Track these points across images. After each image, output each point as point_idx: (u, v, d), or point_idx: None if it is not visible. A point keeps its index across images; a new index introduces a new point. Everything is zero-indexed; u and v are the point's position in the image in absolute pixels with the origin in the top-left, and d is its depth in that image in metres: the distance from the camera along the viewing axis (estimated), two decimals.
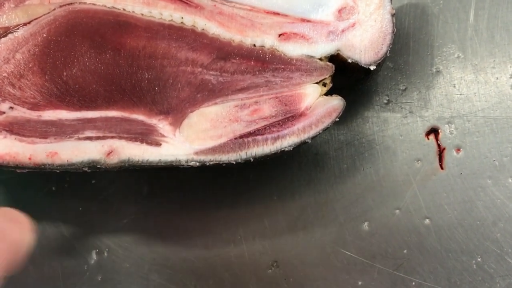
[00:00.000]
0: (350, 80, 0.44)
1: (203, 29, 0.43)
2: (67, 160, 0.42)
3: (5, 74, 0.43)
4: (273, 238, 0.47)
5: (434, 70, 0.46)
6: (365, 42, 0.42)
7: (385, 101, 0.47)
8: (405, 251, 0.44)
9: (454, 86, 0.45)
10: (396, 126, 0.46)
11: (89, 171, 0.43)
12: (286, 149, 0.41)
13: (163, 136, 0.42)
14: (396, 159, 0.46)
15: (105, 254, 0.49)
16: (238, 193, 0.49)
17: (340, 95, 0.42)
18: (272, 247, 0.48)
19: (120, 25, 0.43)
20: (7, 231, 0.28)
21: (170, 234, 0.49)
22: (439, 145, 0.45)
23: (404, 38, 0.47)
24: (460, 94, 0.45)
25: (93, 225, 0.50)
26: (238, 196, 0.49)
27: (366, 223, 0.46)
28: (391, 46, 0.41)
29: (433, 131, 0.45)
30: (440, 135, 0.45)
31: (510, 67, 0.44)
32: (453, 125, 0.45)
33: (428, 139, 0.45)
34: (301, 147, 0.42)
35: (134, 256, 0.49)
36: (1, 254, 0.27)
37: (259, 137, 0.42)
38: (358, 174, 0.46)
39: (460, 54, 0.46)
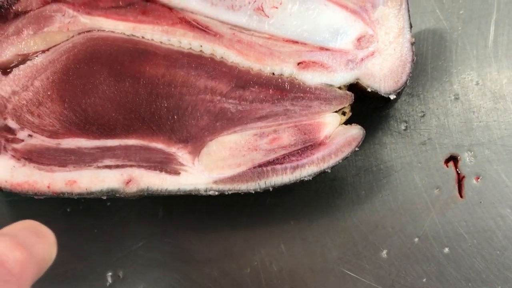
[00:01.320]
0: (369, 108, 0.44)
1: (222, 58, 0.43)
2: (86, 189, 0.42)
3: (24, 102, 0.43)
4: (290, 263, 0.48)
5: (453, 97, 0.46)
6: (385, 71, 0.42)
7: (404, 128, 0.47)
8: (424, 280, 0.44)
9: (473, 113, 0.45)
10: (414, 153, 0.46)
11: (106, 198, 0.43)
12: (305, 178, 0.42)
13: (182, 165, 0.43)
14: (415, 187, 0.46)
15: (120, 276, 0.50)
16: (254, 218, 0.49)
17: (358, 120, 0.42)
18: (289, 272, 0.48)
19: (139, 53, 0.43)
20: (33, 243, 0.28)
21: (185, 258, 0.49)
22: (458, 173, 0.45)
23: (422, 64, 0.47)
24: (479, 122, 0.45)
25: (108, 247, 0.50)
26: (255, 221, 0.49)
27: (384, 251, 0.46)
28: (411, 75, 0.41)
29: (452, 158, 0.46)
30: (459, 163, 0.45)
31: None
32: (472, 152, 0.45)
33: (447, 166, 0.46)
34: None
35: (149, 279, 0.49)
36: (28, 267, 0.27)
37: (278, 166, 0.42)
38: (377, 201, 0.46)
39: (479, 81, 0.46)
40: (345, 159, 0.41)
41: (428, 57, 0.47)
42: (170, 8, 0.44)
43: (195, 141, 0.43)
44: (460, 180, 0.45)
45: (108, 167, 0.43)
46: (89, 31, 0.44)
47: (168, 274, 0.49)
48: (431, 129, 0.46)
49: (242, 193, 0.42)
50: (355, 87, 0.43)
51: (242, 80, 0.43)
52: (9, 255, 0.26)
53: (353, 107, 0.43)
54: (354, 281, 0.46)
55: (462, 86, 0.46)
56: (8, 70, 0.44)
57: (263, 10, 0.43)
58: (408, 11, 0.42)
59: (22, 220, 0.32)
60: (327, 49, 0.43)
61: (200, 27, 0.44)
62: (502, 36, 0.46)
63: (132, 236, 0.50)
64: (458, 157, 0.45)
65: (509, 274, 0.42)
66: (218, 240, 0.49)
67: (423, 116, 0.47)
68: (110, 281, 0.50)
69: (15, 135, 0.43)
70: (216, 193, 0.42)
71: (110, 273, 0.50)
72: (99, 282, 0.50)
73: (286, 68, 0.43)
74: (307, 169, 0.42)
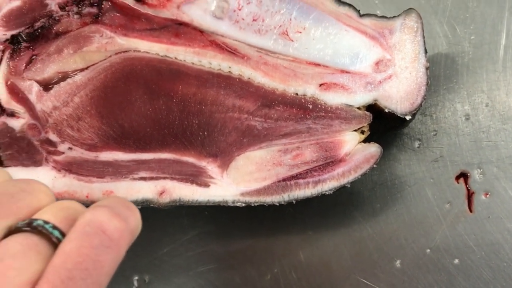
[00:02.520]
0: (386, 127, 0.47)
1: (249, 78, 0.46)
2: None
3: (64, 117, 0.46)
4: (308, 271, 0.50)
5: (464, 117, 0.49)
6: (401, 93, 0.45)
7: (417, 145, 0.50)
8: None
9: (483, 133, 0.48)
10: (427, 169, 0.49)
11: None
12: (327, 192, 0.44)
13: (211, 177, 0.46)
14: (427, 201, 0.48)
15: (146, 280, 0.52)
16: (275, 228, 0.51)
17: (374, 138, 0.45)
18: (307, 280, 0.50)
19: (172, 73, 0.46)
20: (127, 215, 0.30)
21: (209, 264, 0.52)
22: (468, 189, 0.48)
23: (436, 86, 0.50)
24: (489, 141, 0.48)
25: (136, 253, 0.52)
26: (275, 230, 0.51)
27: (398, 261, 0.48)
28: (425, 97, 0.44)
29: (463, 175, 0.48)
30: (469, 180, 0.48)
31: None
32: (481, 170, 0.48)
33: (458, 182, 0.48)
34: None
35: (173, 284, 0.52)
36: (125, 235, 0.29)
37: (301, 181, 0.45)
38: (391, 214, 0.49)
39: (489, 103, 0.49)
40: (364, 175, 0.44)
41: (441, 79, 0.50)
42: (201, 31, 0.46)
43: (223, 155, 0.46)
44: (469, 195, 0.48)
45: (143, 179, 0.45)
46: (125, 51, 0.47)
47: (192, 279, 0.52)
48: (443, 147, 0.49)
49: (267, 205, 0.45)
50: (373, 108, 0.45)
51: (268, 100, 0.46)
52: (109, 223, 0.29)
53: (371, 126, 0.45)
54: None
55: (473, 107, 0.49)
56: (49, 87, 0.46)
57: (287, 35, 0.46)
58: (423, 37, 0.45)
59: (113, 195, 0.34)
60: (347, 72, 0.46)
61: (229, 49, 0.47)
62: (510, 61, 0.48)
63: (158, 243, 0.53)
64: (468, 174, 0.48)
65: None
66: (240, 248, 0.52)
67: (436, 134, 0.50)
68: (136, 285, 0.52)
69: (56, 147, 0.46)
70: (243, 204, 0.45)
71: (136, 277, 0.53)
72: (126, 285, 0.52)
73: (308, 89, 0.46)
74: (328, 183, 0.45)
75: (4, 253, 0.27)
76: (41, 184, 0.31)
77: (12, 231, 0.28)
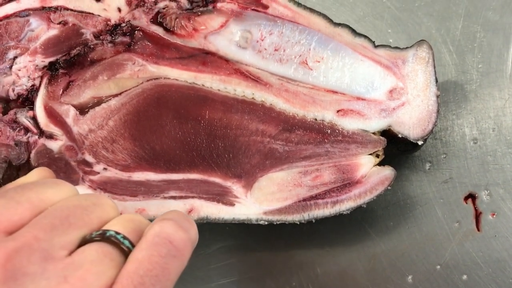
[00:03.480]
0: (399, 150, 0.50)
1: (271, 104, 0.49)
2: (154, 216, 0.48)
3: (99, 139, 0.49)
4: (325, 285, 0.53)
5: (472, 142, 0.52)
6: (413, 120, 0.48)
7: (428, 167, 0.53)
8: None
9: (490, 157, 0.51)
10: (437, 190, 0.52)
11: None
12: (344, 212, 0.47)
13: (236, 197, 0.48)
14: (437, 220, 0.51)
15: None
16: (293, 243, 0.54)
17: (388, 159, 0.48)
18: None
19: (199, 99, 0.49)
20: (188, 227, 0.32)
21: (230, 277, 0.54)
22: (476, 209, 0.51)
23: (445, 112, 0.53)
24: (495, 164, 0.51)
25: None
26: (293, 246, 0.54)
27: (410, 277, 0.51)
28: (436, 124, 0.47)
29: (471, 196, 0.51)
30: (477, 200, 0.51)
31: None
32: (488, 191, 0.50)
33: (466, 203, 0.51)
34: None
35: None
36: (188, 246, 0.32)
37: (320, 201, 0.48)
38: (404, 232, 0.52)
39: (495, 128, 0.51)
40: (379, 196, 0.47)
41: (451, 105, 0.53)
42: (227, 60, 0.49)
43: (247, 176, 0.49)
44: (477, 215, 0.50)
45: (173, 197, 0.48)
46: (156, 78, 0.49)
47: None
48: (452, 169, 0.52)
49: (288, 223, 0.48)
50: (387, 133, 0.48)
51: (289, 124, 0.49)
52: (176, 235, 0.31)
53: (385, 150, 0.48)
54: None
55: (480, 132, 0.52)
56: (85, 111, 0.49)
57: (307, 64, 0.49)
58: (434, 67, 0.48)
59: (173, 209, 0.37)
60: (363, 99, 0.49)
61: (253, 77, 0.50)
62: None
63: None
64: (476, 195, 0.51)
65: None
66: (259, 262, 0.54)
67: (445, 157, 0.52)
68: None
69: (92, 168, 0.49)
70: (266, 223, 0.48)
71: None
72: None
73: (327, 115, 0.49)
74: (346, 204, 0.47)
75: (83, 259, 0.29)
76: (108, 198, 0.34)
77: (86, 241, 0.31)
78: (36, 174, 0.39)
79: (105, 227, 0.32)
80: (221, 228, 0.55)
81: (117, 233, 0.31)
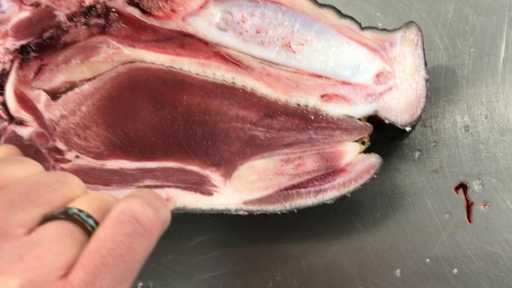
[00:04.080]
0: (386, 138, 0.48)
1: (252, 89, 0.47)
2: None
3: (71, 125, 0.47)
4: (309, 279, 0.51)
5: (463, 129, 0.50)
6: (401, 104, 0.46)
7: (417, 156, 0.51)
8: None
9: (482, 145, 0.49)
10: (426, 180, 0.50)
11: None
12: (328, 201, 0.45)
13: (215, 186, 0.46)
14: (427, 211, 0.49)
15: (150, 287, 0.53)
16: (277, 236, 0.52)
17: (375, 147, 0.46)
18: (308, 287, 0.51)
19: (177, 83, 0.47)
20: (158, 206, 0.31)
21: (211, 271, 0.53)
22: (467, 200, 0.49)
23: (435, 98, 0.51)
24: (488, 153, 0.49)
25: None
26: (277, 239, 0.52)
27: (398, 270, 0.49)
28: (425, 109, 0.45)
29: (462, 186, 0.49)
30: (468, 190, 0.49)
31: None
32: (480, 181, 0.48)
33: (457, 193, 0.49)
34: None
35: None
36: (157, 225, 0.30)
37: (302, 190, 0.46)
38: (391, 223, 0.50)
39: (488, 115, 0.49)
40: (364, 184, 0.45)
41: (441, 91, 0.51)
42: (206, 43, 0.48)
43: (227, 165, 0.47)
44: (468, 206, 0.48)
45: (148, 187, 0.46)
46: (131, 62, 0.48)
47: (195, 286, 0.52)
48: (442, 158, 0.50)
49: (269, 213, 0.46)
50: (373, 119, 0.46)
51: (270, 110, 0.47)
52: (143, 213, 0.30)
53: (371, 137, 0.46)
54: None
55: (472, 119, 0.50)
56: (57, 96, 0.48)
57: (290, 47, 0.47)
58: (423, 50, 0.46)
59: (143, 188, 0.35)
60: (348, 84, 0.47)
61: (233, 61, 0.48)
62: (509, 74, 0.49)
63: (162, 250, 0.54)
64: (467, 185, 0.49)
65: None
66: (242, 256, 0.53)
67: (436, 145, 0.50)
68: None
69: (63, 155, 0.47)
70: (246, 213, 0.46)
71: (140, 284, 0.53)
72: None
73: (310, 100, 0.47)
74: (329, 193, 0.45)
75: (41, 237, 0.28)
76: (74, 177, 0.33)
77: (48, 219, 0.29)
78: (1, 151, 0.38)
79: (68, 205, 0.30)
80: (203, 221, 0.54)
81: (81, 211, 0.30)
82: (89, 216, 0.30)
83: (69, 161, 0.47)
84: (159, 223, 0.31)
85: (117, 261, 0.28)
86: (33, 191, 0.30)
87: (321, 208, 0.51)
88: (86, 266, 0.27)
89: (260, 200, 0.46)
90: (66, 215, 0.29)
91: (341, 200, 0.51)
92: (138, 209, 0.30)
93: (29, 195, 0.30)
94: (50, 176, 0.32)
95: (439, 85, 0.51)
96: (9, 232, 0.28)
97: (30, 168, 0.32)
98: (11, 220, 0.28)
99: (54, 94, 0.48)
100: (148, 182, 0.46)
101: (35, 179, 0.31)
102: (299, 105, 0.47)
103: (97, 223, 0.30)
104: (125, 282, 0.28)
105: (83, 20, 0.48)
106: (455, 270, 0.48)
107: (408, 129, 0.45)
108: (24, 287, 0.26)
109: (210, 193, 0.46)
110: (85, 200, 0.31)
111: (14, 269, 0.26)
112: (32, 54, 0.47)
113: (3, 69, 0.47)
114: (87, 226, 0.30)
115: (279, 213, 0.45)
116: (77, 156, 0.47)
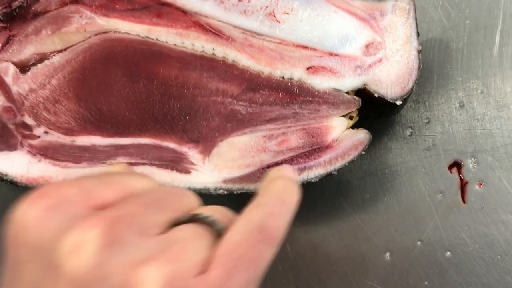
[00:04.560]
0: (376, 113, 0.45)
1: (233, 61, 0.44)
2: None
3: (40, 99, 0.45)
4: (295, 264, 0.49)
5: (458, 105, 0.47)
6: (392, 77, 0.43)
7: (409, 133, 0.48)
8: (426, 282, 0.45)
9: (477, 121, 0.46)
10: (419, 158, 0.47)
11: None
12: (312, 180, 0.43)
13: (192, 164, 0.44)
14: (419, 191, 0.47)
15: None
16: None
17: (364, 125, 0.44)
18: (294, 272, 0.49)
19: (153, 54, 0.44)
20: (284, 217, 0.34)
21: None
22: (461, 179, 0.46)
23: (429, 72, 0.48)
24: (483, 129, 0.46)
25: None
26: None
27: (388, 254, 0.47)
28: (417, 82, 0.43)
29: (456, 164, 0.46)
30: (463, 169, 0.46)
31: None
32: (475, 159, 0.46)
33: (451, 172, 0.46)
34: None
35: None
36: (281, 237, 0.32)
37: None
38: (381, 204, 0.47)
39: (484, 90, 0.47)
40: (351, 162, 0.42)
41: (434, 65, 0.48)
42: (185, 12, 0.45)
43: (206, 141, 0.44)
44: (463, 185, 0.46)
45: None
46: (105, 32, 0.45)
47: None
48: (435, 135, 0.47)
49: (250, 193, 0.43)
50: (362, 92, 0.44)
51: (253, 83, 0.44)
52: (270, 224, 0.32)
53: (360, 111, 0.44)
54: (357, 282, 0.47)
55: (467, 94, 0.47)
56: (26, 68, 0.45)
57: (274, 16, 0.44)
58: (416, 19, 0.43)
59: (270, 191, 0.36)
60: (336, 55, 0.44)
61: (213, 31, 0.45)
62: (507, 47, 0.47)
63: None
64: (462, 163, 0.46)
65: (509, 278, 0.43)
66: None
67: (428, 122, 0.48)
68: None
69: (32, 131, 0.45)
70: (225, 192, 0.43)
71: None
72: None
73: (295, 73, 0.44)
74: (314, 171, 0.43)
75: (178, 236, 0.30)
76: (189, 191, 0.35)
77: (178, 223, 0.31)
78: (117, 167, 0.42)
79: (194, 212, 0.32)
80: None
81: (208, 216, 0.32)
82: (216, 220, 0.32)
83: (38, 137, 0.45)
84: (283, 231, 0.32)
85: (247, 265, 0.29)
86: (163, 197, 0.32)
87: (307, 189, 0.49)
88: (221, 266, 0.29)
89: (241, 179, 0.43)
90: (195, 219, 0.31)
91: (329, 181, 0.48)
92: (265, 219, 0.32)
93: (160, 200, 0.32)
94: (173, 187, 0.37)
95: (433, 59, 0.48)
96: (148, 230, 0.29)
97: (150, 181, 0.35)
98: (149, 219, 0.30)
99: (23, 67, 0.45)
100: (121, 159, 0.44)
101: (162, 188, 0.35)
102: (283, 78, 0.44)
103: (223, 228, 0.31)
104: (253, 285, 0.30)
105: None
106: (448, 253, 0.45)
107: (398, 103, 0.43)
108: (167, 278, 0.27)
109: (187, 171, 0.44)
110: (209, 208, 0.34)
111: (158, 259, 0.28)
112: (0, 24, 0.45)
113: None
114: (216, 229, 0.31)
115: None
116: (46, 132, 0.45)
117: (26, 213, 0.29)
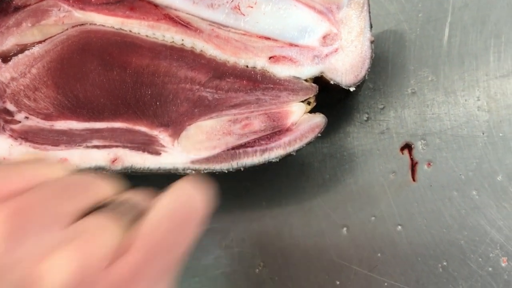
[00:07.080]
0: (332, 99, 0.48)
1: (201, 51, 0.47)
2: (76, 166, 0.46)
3: (21, 87, 0.48)
4: (261, 240, 0.52)
5: (410, 91, 0.51)
6: (346, 66, 0.46)
7: (365, 118, 0.51)
8: (379, 254, 0.49)
9: (427, 106, 0.50)
10: (374, 141, 0.51)
11: None
12: (273, 160, 0.46)
13: (163, 146, 0.47)
14: (373, 171, 0.50)
15: None
16: (230, 199, 0.52)
17: (324, 111, 0.47)
18: (260, 249, 0.52)
19: (126, 45, 0.48)
20: (205, 198, 0.33)
21: None
22: (412, 160, 0.50)
23: (383, 62, 0.51)
24: (432, 114, 0.50)
25: None
26: (230, 202, 0.53)
27: (345, 229, 0.50)
28: (369, 70, 0.46)
29: (407, 146, 0.50)
30: (413, 150, 0.50)
31: (477, 90, 0.48)
32: (425, 141, 0.49)
33: (403, 153, 0.50)
34: (287, 158, 0.46)
35: None
36: (203, 218, 0.32)
37: (249, 149, 0.46)
38: (339, 184, 0.51)
39: (433, 78, 0.50)
40: (310, 143, 0.46)
41: (389, 56, 0.52)
42: (156, 5, 0.48)
43: (175, 125, 0.47)
44: (413, 165, 0.49)
45: (96, 147, 0.47)
46: (82, 24, 0.48)
47: None
48: (389, 120, 0.51)
49: (217, 174, 0.46)
50: (319, 80, 0.47)
51: (219, 72, 0.47)
52: (192, 203, 0.32)
53: (317, 97, 0.47)
54: (317, 255, 0.50)
55: (418, 82, 0.51)
56: (8, 58, 0.47)
57: (239, 9, 0.48)
58: (369, 12, 0.46)
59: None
60: (296, 45, 0.47)
61: (182, 23, 0.48)
62: (455, 38, 0.50)
63: None
64: (412, 145, 0.50)
65: (453, 250, 0.47)
66: None
67: (383, 108, 0.51)
68: None
69: (13, 117, 0.48)
70: (193, 172, 0.46)
71: None
72: None
73: (258, 62, 0.47)
74: (275, 152, 0.46)
75: (86, 226, 0.28)
76: (103, 178, 0.33)
77: (91, 210, 0.30)
78: (30, 155, 0.42)
79: (107, 199, 0.31)
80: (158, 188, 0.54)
81: (124, 202, 0.31)
82: (132, 206, 0.30)
83: (19, 122, 0.48)
84: (204, 213, 0.32)
85: (168, 247, 0.29)
86: (72, 186, 0.30)
87: (272, 171, 0.52)
88: (139, 250, 0.28)
89: (208, 159, 0.46)
90: (109, 205, 0.30)
91: (292, 163, 0.52)
92: (187, 199, 0.31)
93: (69, 188, 0.30)
94: (86, 176, 0.32)
95: (387, 50, 0.52)
96: (54, 220, 0.28)
97: (60, 168, 0.33)
98: (56, 208, 0.28)
99: (5, 57, 0.48)
100: (96, 142, 0.47)
101: (73, 176, 0.32)
102: (247, 66, 0.47)
103: (139, 213, 0.30)
104: (174, 267, 0.30)
105: None
106: (399, 228, 0.49)
107: (352, 89, 0.46)
108: (73, 270, 0.26)
109: (158, 153, 0.47)
110: (127, 193, 0.32)
111: (64, 250, 0.26)
112: None
113: None
114: (131, 214, 0.30)
115: (226, 171, 0.46)
116: (26, 117, 0.48)
117: None
